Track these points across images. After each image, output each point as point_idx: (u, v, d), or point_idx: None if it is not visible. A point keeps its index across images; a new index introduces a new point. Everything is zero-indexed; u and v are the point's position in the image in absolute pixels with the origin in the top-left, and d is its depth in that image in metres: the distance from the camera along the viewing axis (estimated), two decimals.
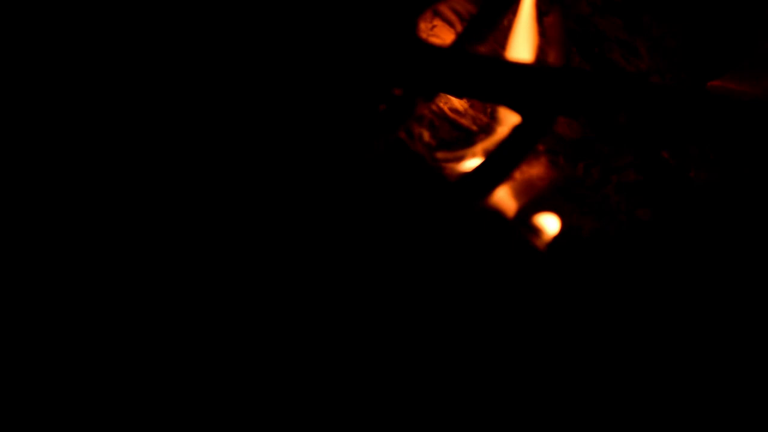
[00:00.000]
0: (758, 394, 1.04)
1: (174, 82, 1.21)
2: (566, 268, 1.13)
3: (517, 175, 1.19)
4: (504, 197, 1.17)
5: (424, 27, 1.25)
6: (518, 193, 1.17)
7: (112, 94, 1.20)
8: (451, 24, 1.26)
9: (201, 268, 1.14)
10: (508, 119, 1.21)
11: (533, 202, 1.17)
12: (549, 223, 1.16)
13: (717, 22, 1.21)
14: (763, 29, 1.19)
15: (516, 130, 1.17)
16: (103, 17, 1.20)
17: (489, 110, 1.26)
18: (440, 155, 1.22)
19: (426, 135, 1.23)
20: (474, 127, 1.26)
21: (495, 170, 1.14)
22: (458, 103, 1.26)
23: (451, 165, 1.21)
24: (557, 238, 1.15)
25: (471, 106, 1.27)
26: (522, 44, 1.19)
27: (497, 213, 1.15)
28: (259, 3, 1.21)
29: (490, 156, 1.16)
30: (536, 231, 1.16)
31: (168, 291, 1.13)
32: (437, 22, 1.26)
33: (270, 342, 1.11)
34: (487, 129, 1.26)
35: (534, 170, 1.20)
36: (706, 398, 1.05)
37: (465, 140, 1.25)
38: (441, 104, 1.26)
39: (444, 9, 1.26)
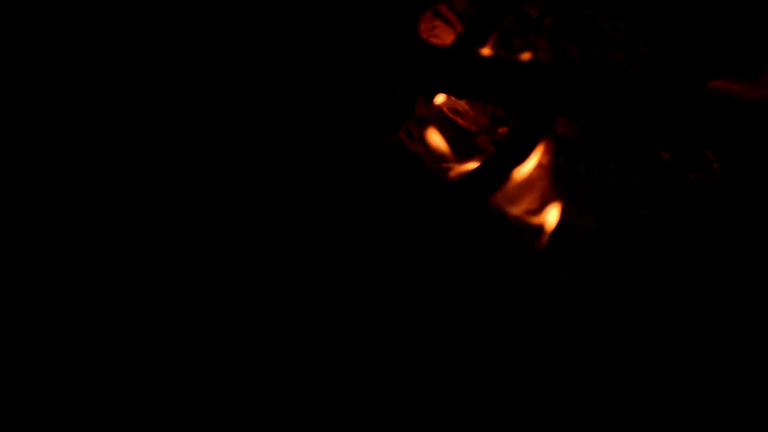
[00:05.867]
0: (758, 394, 1.04)
1: (174, 82, 1.21)
2: (566, 269, 1.13)
3: (517, 176, 1.19)
4: (504, 198, 1.16)
5: (424, 27, 1.25)
6: (518, 194, 1.17)
7: (112, 94, 1.20)
8: (451, 24, 1.26)
9: (201, 267, 1.14)
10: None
11: (533, 203, 1.17)
12: (549, 224, 1.16)
13: (718, 22, 1.21)
14: (764, 29, 1.19)
15: (516, 131, 1.17)
16: (103, 17, 1.21)
17: (489, 110, 1.26)
18: (440, 156, 1.22)
19: (426, 135, 1.23)
20: (474, 128, 1.26)
21: (495, 171, 1.14)
22: (458, 104, 1.26)
23: (450, 166, 1.21)
24: (557, 239, 1.15)
25: (471, 107, 1.26)
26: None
27: (497, 214, 1.15)
28: (259, 3, 1.21)
29: (490, 157, 1.15)
30: (536, 232, 1.16)
31: (168, 290, 1.13)
32: (437, 22, 1.26)
33: (270, 342, 1.11)
34: (488, 130, 1.26)
35: (534, 171, 1.19)
36: (707, 398, 1.05)
37: (465, 141, 1.25)
38: (441, 105, 1.26)
39: (444, 9, 1.26)
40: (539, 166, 1.17)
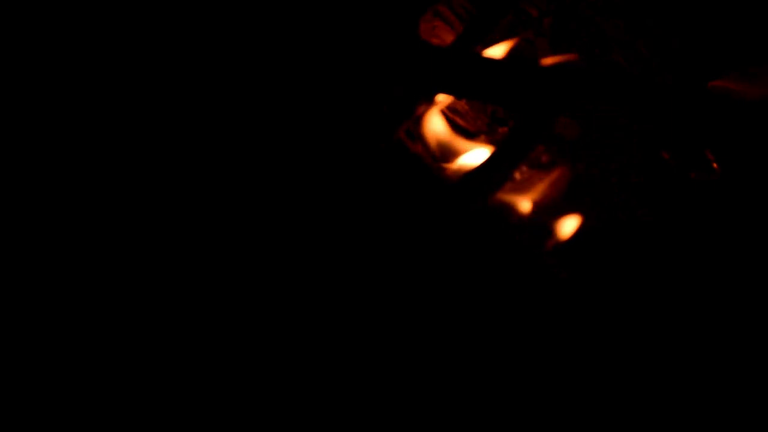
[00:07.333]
0: (758, 394, 1.04)
1: (174, 82, 1.21)
2: (566, 269, 1.13)
3: (518, 176, 1.19)
4: (504, 199, 1.16)
5: (424, 27, 1.25)
6: (519, 194, 1.17)
7: (112, 94, 1.20)
8: (451, 24, 1.26)
9: (201, 268, 1.14)
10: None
11: (533, 203, 1.17)
12: (549, 225, 1.16)
13: (718, 21, 1.21)
14: (764, 29, 1.19)
15: (516, 131, 1.17)
16: (103, 17, 1.21)
17: (489, 111, 1.26)
18: (440, 156, 1.22)
19: (425, 136, 1.23)
20: (474, 128, 1.26)
21: (495, 171, 1.14)
22: (458, 104, 1.26)
23: (451, 166, 1.21)
24: (557, 239, 1.15)
25: (471, 107, 1.26)
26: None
27: (497, 214, 1.15)
28: (259, 3, 1.21)
29: (491, 157, 1.15)
30: (536, 232, 1.16)
31: (168, 291, 1.13)
32: (437, 22, 1.26)
33: (270, 342, 1.11)
34: (488, 130, 1.26)
35: (534, 171, 1.19)
36: (707, 398, 1.05)
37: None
38: (441, 105, 1.26)
39: (444, 9, 1.26)
40: (540, 166, 1.17)
